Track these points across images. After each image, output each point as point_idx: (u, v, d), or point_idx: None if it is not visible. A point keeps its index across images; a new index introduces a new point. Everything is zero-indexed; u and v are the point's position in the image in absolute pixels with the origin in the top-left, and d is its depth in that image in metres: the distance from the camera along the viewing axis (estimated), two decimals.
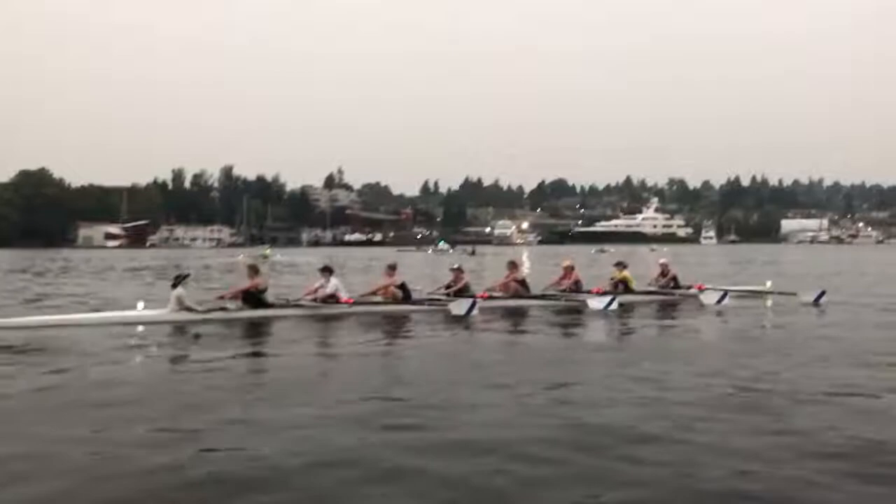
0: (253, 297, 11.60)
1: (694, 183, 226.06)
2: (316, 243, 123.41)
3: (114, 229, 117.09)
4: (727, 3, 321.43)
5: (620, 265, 14.74)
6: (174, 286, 11.14)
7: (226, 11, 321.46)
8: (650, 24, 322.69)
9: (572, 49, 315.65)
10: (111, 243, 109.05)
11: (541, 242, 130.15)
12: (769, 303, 14.66)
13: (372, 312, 12.10)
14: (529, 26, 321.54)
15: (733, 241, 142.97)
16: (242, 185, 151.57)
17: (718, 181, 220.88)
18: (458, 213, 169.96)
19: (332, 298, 12.08)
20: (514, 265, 14.17)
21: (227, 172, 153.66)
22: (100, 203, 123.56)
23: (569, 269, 14.26)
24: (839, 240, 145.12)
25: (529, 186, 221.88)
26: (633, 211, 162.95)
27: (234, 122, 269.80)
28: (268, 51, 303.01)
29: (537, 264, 38.14)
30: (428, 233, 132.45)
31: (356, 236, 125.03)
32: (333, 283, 12.27)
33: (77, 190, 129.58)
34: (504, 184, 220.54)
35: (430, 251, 71.82)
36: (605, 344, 9.92)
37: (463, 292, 13.00)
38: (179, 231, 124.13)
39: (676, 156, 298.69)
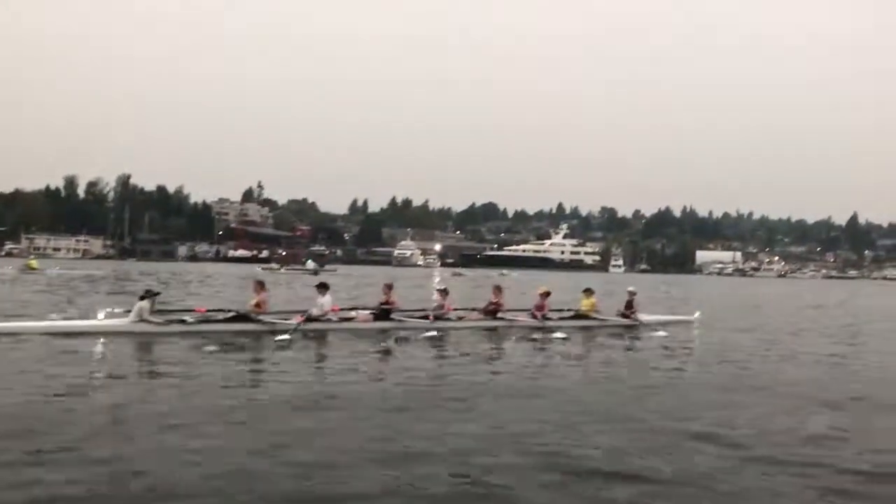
0: (243, 315, 12.05)
1: (625, 213, 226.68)
2: (193, 258, 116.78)
3: None
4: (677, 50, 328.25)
5: (588, 292, 15.58)
6: (142, 298, 11.28)
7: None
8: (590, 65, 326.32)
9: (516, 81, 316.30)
10: None
11: (446, 265, 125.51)
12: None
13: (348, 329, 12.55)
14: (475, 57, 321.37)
15: (643, 271, 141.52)
16: (140, 196, 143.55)
17: (650, 212, 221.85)
18: (372, 232, 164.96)
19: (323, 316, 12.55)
20: (498, 289, 14.71)
21: (123, 181, 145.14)
22: None
23: (544, 295, 14.56)
24: (743, 272, 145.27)
25: (460, 209, 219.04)
26: (543, 237, 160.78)
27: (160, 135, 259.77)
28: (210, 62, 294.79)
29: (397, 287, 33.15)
30: (329, 252, 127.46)
31: (241, 252, 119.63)
32: (326, 301, 12.76)
33: None
34: (435, 205, 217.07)
35: (275, 269, 67.74)
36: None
37: (444, 314, 13.67)
38: (41, 240, 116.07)
39: (615, 190, 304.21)
